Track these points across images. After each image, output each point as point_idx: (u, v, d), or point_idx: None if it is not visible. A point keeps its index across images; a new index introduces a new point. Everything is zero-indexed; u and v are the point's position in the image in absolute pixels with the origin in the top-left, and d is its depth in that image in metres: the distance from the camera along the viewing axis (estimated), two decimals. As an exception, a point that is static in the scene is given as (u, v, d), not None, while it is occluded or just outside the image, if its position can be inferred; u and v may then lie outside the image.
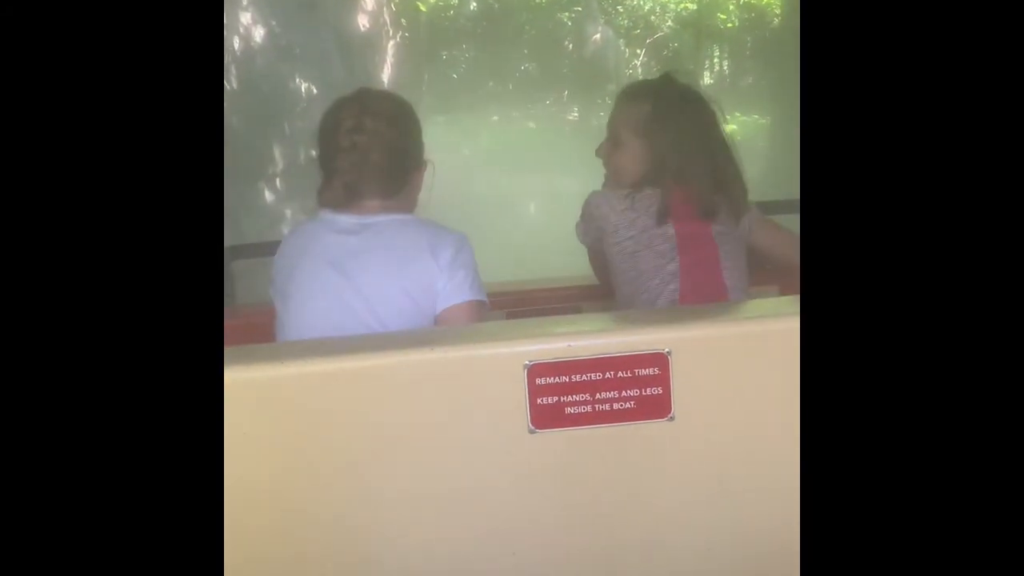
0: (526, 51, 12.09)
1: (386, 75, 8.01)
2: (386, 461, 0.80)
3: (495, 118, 10.68)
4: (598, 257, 1.42)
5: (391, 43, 8.22)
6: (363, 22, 7.67)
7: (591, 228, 1.36)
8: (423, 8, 9.70)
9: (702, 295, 1.22)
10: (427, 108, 11.08)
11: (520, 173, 8.55)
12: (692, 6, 12.55)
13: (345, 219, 1.15)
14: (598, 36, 10.71)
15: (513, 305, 1.47)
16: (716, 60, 12.86)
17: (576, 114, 11.24)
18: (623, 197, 1.30)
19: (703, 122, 1.29)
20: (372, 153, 1.16)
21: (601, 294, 1.48)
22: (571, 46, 11.24)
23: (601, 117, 12.13)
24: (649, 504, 0.83)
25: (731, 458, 0.83)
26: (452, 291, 1.11)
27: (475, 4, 11.72)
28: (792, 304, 0.97)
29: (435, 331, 1.00)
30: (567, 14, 11.31)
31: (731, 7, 12.54)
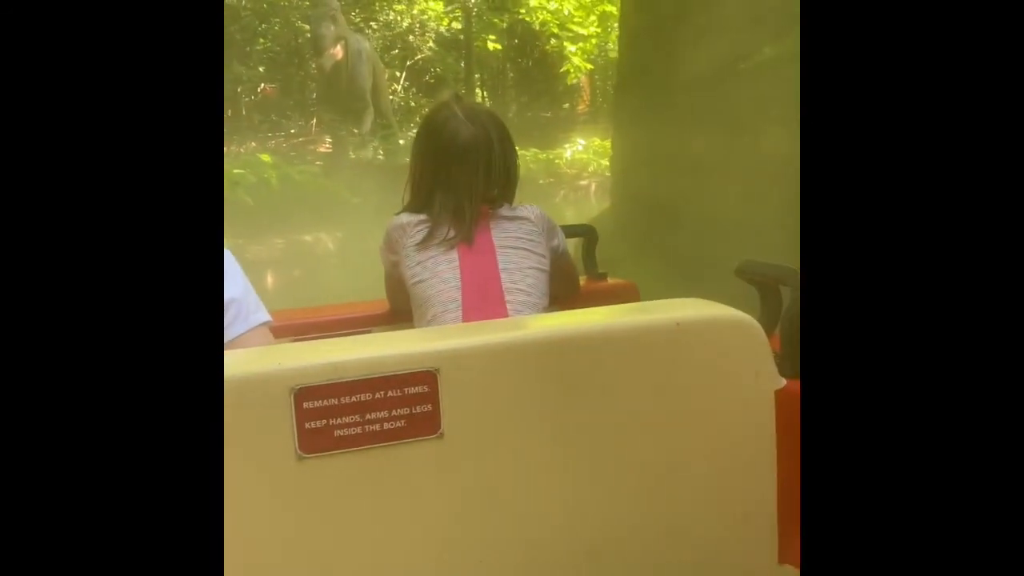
0: (262, 69, 12.03)
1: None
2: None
3: (225, 149, 10.39)
4: (392, 282, 1.64)
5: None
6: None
7: (389, 252, 1.59)
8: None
9: (483, 319, 1.44)
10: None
11: (250, 229, 7.69)
12: (457, 25, 13.41)
13: None
14: (338, 48, 10.59)
15: (299, 332, 1.61)
16: (480, 88, 13.78)
17: (329, 145, 11.30)
18: (418, 222, 1.53)
19: (462, 145, 1.55)
20: None
21: (394, 319, 1.69)
22: (314, 66, 11.33)
23: (359, 149, 11.94)
24: (421, 523, 0.99)
25: (501, 472, 1.03)
26: (235, 317, 1.16)
27: None
28: (559, 318, 1.21)
29: None
30: (307, 28, 11.33)
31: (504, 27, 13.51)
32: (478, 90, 13.79)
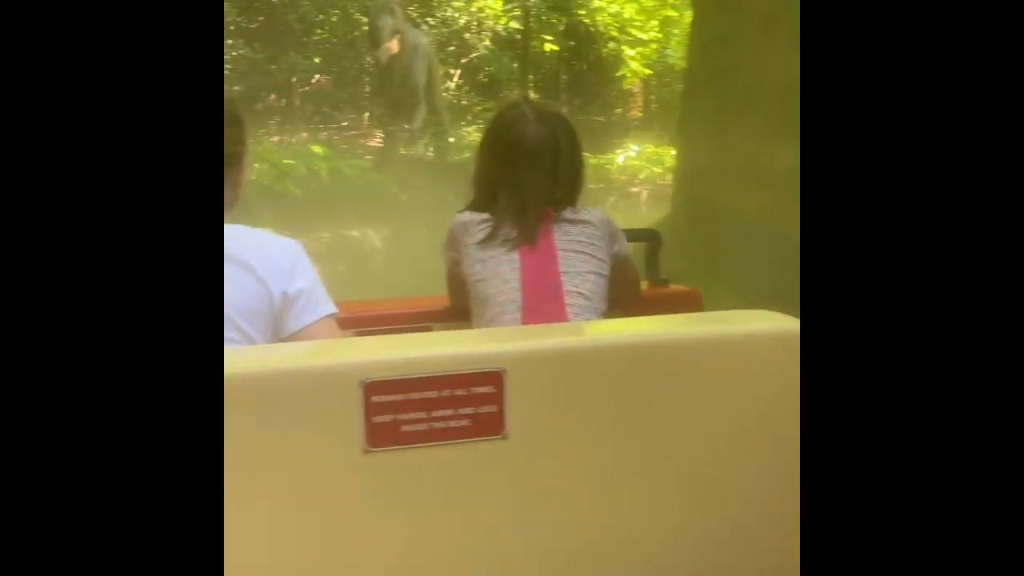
0: (318, 60, 12.19)
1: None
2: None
3: (275, 139, 10.52)
4: (453, 279, 1.66)
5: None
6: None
7: (451, 250, 1.63)
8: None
9: (543, 322, 1.47)
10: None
11: (297, 221, 7.55)
12: (515, 24, 13.46)
13: None
14: (395, 42, 10.59)
15: (361, 325, 1.65)
16: (532, 89, 13.78)
17: (380, 139, 11.38)
18: (480, 221, 1.55)
19: (530, 145, 1.57)
20: None
21: (453, 316, 1.72)
22: (370, 59, 11.44)
23: (410, 144, 11.95)
24: (481, 521, 1.01)
25: (562, 475, 1.04)
26: (303, 307, 1.20)
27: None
28: (626, 325, 1.22)
29: (266, 348, 1.14)
30: (364, 19, 11.41)
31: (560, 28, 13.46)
32: (531, 91, 13.82)
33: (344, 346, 1.06)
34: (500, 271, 1.52)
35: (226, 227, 1.24)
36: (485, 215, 1.57)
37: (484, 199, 1.60)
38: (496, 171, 1.60)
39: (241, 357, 1.03)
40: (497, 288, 1.51)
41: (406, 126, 10.83)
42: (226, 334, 1.17)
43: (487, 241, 1.54)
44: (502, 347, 1.03)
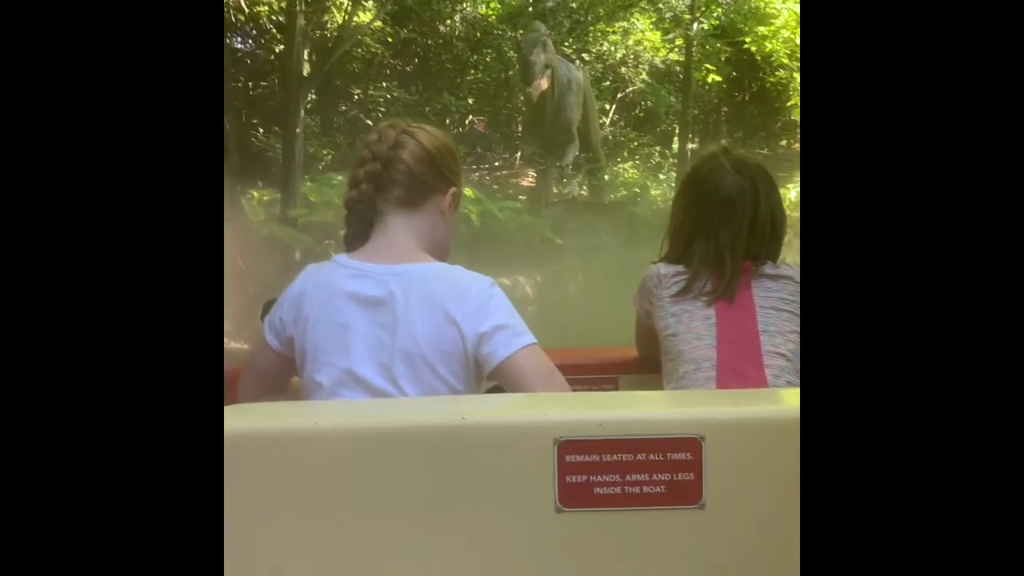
0: (471, 100, 12.58)
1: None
2: (405, 532, 0.97)
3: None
4: (643, 331, 1.68)
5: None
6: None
7: (643, 301, 1.63)
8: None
9: (740, 383, 1.47)
10: (315, 160, 10.26)
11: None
12: (675, 56, 13.42)
13: (367, 267, 1.32)
14: (544, 80, 10.67)
15: None
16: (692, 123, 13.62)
17: (531, 179, 11.56)
18: (675, 273, 1.56)
19: (727, 196, 1.57)
20: (394, 165, 1.35)
21: (642, 368, 1.75)
22: (523, 97, 11.68)
23: (564, 184, 11.95)
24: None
25: (762, 550, 1.02)
26: (500, 342, 1.25)
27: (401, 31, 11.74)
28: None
29: (465, 399, 1.20)
30: (514, 55, 11.60)
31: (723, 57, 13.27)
32: (690, 124, 13.68)
33: (539, 402, 1.10)
34: (694, 326, 1.52)
35: (427, 266, 1.33)
36: (680, 267, 1.57)
37: (679, 251, 1.60)
38: (692, 223, 1.60)
39: (439, 407, 1.09)
40: (690, 344, 1.51)
41: (558, 164, 10.93)
42: (423, 378, 1.23)
43: (681, 294, 1.54)
44: (701, 412, 1.03)
